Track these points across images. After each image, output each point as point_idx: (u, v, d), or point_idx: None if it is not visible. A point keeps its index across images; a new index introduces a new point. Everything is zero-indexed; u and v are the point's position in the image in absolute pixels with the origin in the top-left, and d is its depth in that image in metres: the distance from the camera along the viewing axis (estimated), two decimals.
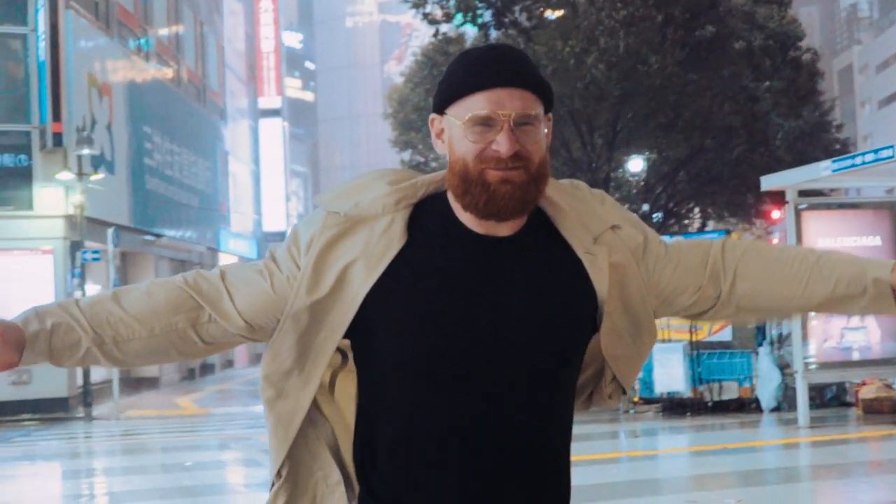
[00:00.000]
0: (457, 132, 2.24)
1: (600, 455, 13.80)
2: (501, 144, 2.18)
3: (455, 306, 2.23)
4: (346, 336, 2.30)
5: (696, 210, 43.04)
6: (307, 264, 2.27)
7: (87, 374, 26.23)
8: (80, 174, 26.67)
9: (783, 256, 2.43)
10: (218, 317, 2.30)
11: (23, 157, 27.72)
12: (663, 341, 18.93)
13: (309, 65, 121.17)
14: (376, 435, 2.32)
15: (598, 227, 2.36)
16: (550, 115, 2.34)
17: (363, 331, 2.28)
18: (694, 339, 18.71)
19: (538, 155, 2.24)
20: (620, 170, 34.95)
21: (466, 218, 2.28)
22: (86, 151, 26.63)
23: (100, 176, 28.42)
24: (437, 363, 2.24)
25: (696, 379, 18.65)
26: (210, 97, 49.91)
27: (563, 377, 2.36)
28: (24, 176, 27.69)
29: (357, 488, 2.36)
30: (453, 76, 2.28)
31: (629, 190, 36.92)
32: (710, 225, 43.75)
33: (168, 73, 41.25)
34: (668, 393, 18.97)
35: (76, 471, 15.85)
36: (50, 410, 25.85)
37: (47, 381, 25.63)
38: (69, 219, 27.46)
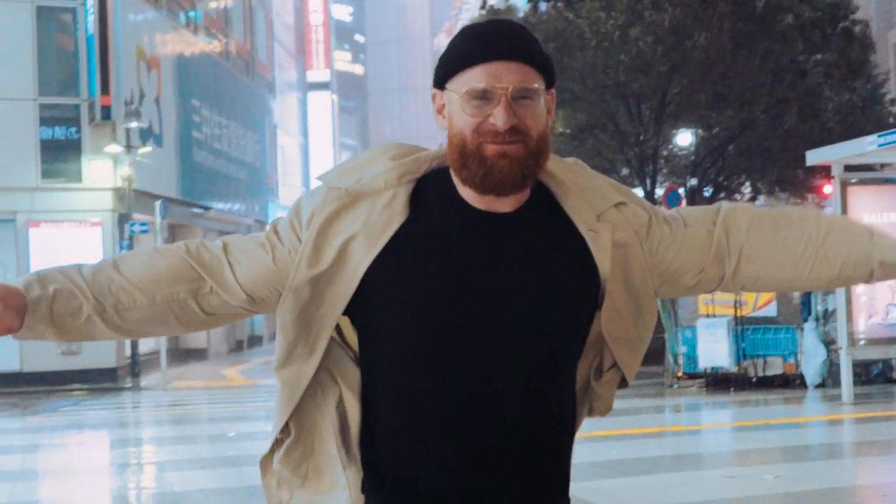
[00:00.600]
0: (455, 106, 2.22)
1: (642, 429, 13.79)
2: (498, 118, 2.16)
3: (454, 282, 2.22)
4: (348, 311, 2.30)
5: (747, 184, 42.66)
6: (308, 238, 2.26)
7: (135, 345, 26.54)
8: (129, 147, 26.90)
9: (789, 236, 2.40)
10: (219, 288, 2.30)
11: (73, 129, 27.99)
12: (707, 316, 18.86)
13: (359, 38, 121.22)
14: (377, 411, 2.33)
15: (602, 204, 2.33)
16: (553, 91, 2.32)
17: (364, 306, 2.27)
18: (739, 314, 18.61)
19: (537, 129, 2.21)
20: (669, 144, 34.69)
21: (468, 193, 2.26)
22: (133, 124, 26.87)
23: (148, 149, 28.64)
24: (436, 339, 2.23)
25: (740, 354, 18.56)
26: (259, 70, 50.08)
27: (563, 352, 2.34)
28: (73, 149, 27.98)
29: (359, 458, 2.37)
30: (453, 51, 2.26)
31: (678, 164, 36.64)
32: (761, 200, 43.37)
33: (217, 46, 41.41)
34: (713, 368, 18.90)
35: (122, 440, 16.03)
36: (99, 381, 26.17)
37: (96, 351, 25.96)
38: (117, 191, 27.72)
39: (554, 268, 2.28)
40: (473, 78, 2.19)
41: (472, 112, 2.19)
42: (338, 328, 2.37)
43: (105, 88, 27.46)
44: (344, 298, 2.26)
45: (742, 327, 18.56)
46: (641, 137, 31.04)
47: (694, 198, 34.36)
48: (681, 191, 32.56)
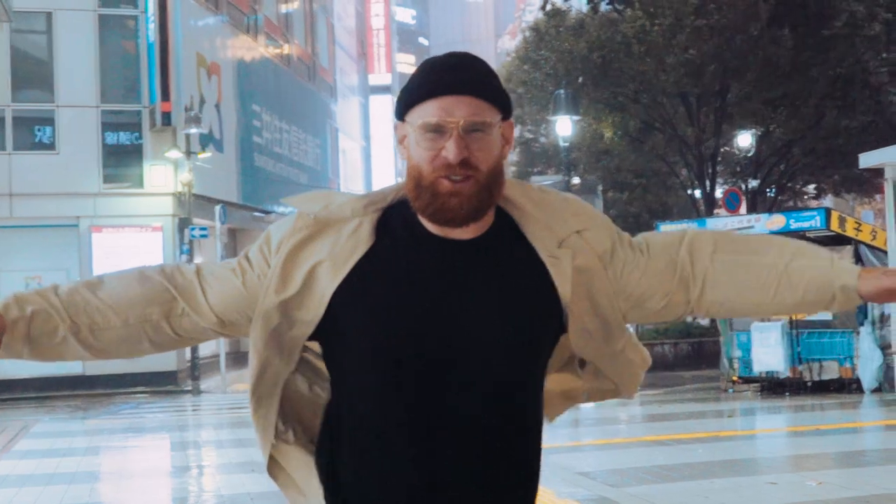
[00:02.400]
0: (411, 138, 2.30)
1: (691, 434, 13.74)
2: (450, 151, 2.22)
3: (412, 308, 2.28)
4: (316, 336, 2.37)
5: (811, 186, 42.22)
6: (276, 264, 2.34)
7: (195, 349, 26.84)
8: (188, 152, 27.25)
9: (753, 261, 2.44)
10: (191, 311, 2.38)
11: (134, 136, 28.42)
12: (762, 320, 18.71)
13: (422, 41, 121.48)
14: (341, 430, 2.39)
15: (563, 230, 2.38)
16: (511, 121, 2.37)
17: (331, 330, 2.34)
18: (794, 318, 18.45)
19: (489, 162, 2.27)
20: (728, 146, 34.45)
21: (427, 221, 2.33)
22: (193, 130, 27.21)
23: (207, 154, 28.99)
24: (396, 363, 2.29)
25: (795, 358, 18.40)
26: (320, 74, 50.40)
27: (524, 376, 2.38)
28: (135, 154, 28.45)
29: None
30: (411, 84, 2.33)
31: (737, 165, 36.37)
32: (828, 200, 42.93)
33: (277, 51, 41.75)
34: (767, 372, 18.75)
35: (178, 442, 16.22)
36: (160, 384, 26.52)
37: (157, 355, 26.16)
38: (178, 196, 28.07)
39: (512, 292, 2.32)
40: (427, 112, 2.25)
41: (426, 145, 2.25)
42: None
43: (165, 95, 27.85)
44: (312, 323, 2.33)
45: (797, 331, 18.40)
46: (700, 141, 30.79)
47: (755, 200, 34.07)
48: (741, 192, 32.28)
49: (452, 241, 2.32)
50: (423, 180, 2.26)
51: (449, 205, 2.24)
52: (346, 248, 2.31)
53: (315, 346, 2.45)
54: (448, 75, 2.27)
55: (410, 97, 2.31)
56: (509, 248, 2.36)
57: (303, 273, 2.32)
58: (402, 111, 2.34)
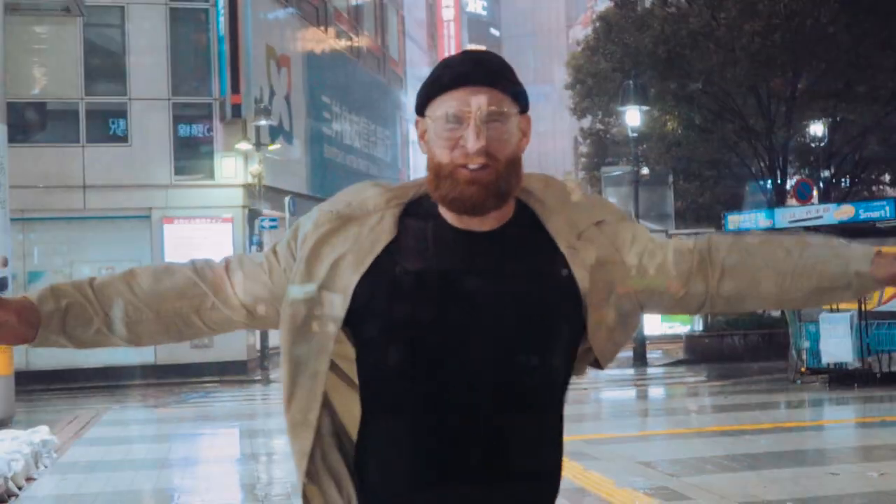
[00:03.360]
0: (432, 131, 2.36)
1: (755, 426, 13.68)
2: (469, 140, 2.28)
3: (433, 299, 2.33)
4: (344, 327, 2.39)
5: (887, 176, 41.61)
6: (301, 258, 2.40)
7: (264, 338, 27.14)
8: (258, 144, 27.53)
9: (769, 251, 2.46)
10: (220, 304, 2.46)
11: (205, 128, 28.76)
12: (831, 311, 18.52)
13: (493, 31, 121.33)
14: (366, 424, 2.42)
15: (583, 222, 2.42)
16: (528, 115, 2.43)
17: (357, 322, 2.38)
18: (863, 308, 18.25)
19: (506, 151, 2.32)
20: (799, 136, 34.04)
21: (448, 214, 2.38)
22: (263, 122, 27.49)
23: (277, 146, 29.27)
24: (416, 353, 2.33)
25: (864, 349, 18.19)
26: (390, 66, 50.59)
27: (542, 366, 2.40)
28: (205, 146, 28.79)
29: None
30: (430, 78, 2.40)
31: (809, 155, 35.92)
32: None
33: (347, 43, 41.98)
34: (836, 364, 18.57)
35: (248, 430, 16.39)
36: (230, 373, 26.84)
37: (227, 344, 26.58)
38: (248, 187, 28.37)
39: (530, 284, 2.36)
40: (446, 104, 2.31)
41: (445, 136, 2.31)
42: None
43: (235, 87, 28.15)
44: (339, 316, 2.37)
45: (866, 322, 18.20)
46: (770, 131, 30.46)
47: (828, 190, 33.66)
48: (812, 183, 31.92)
49: (472, 233, 2.36)
50: (443, 170, 2.32)
51: (467, 193, 2.29)
52: (368, 241, 2.37)
53: (349, 351, 2.44)
54: (465, 68, 2.34)
55: (429, 91, 2.37)
56: (529, 239, 2.40)
57: (326, 267, 2.37)
58: (422, 106, 2.40)
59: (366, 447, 2.42)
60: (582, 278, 2.37)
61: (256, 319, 2.49)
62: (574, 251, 2.38)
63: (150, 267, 2.52)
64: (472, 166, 2.29)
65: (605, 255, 2.41)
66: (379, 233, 2.38)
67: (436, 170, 2.34)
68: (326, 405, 2.44)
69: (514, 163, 2.35)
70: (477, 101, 2.30)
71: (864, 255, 2.40)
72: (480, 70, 2.34)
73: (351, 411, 2.44)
